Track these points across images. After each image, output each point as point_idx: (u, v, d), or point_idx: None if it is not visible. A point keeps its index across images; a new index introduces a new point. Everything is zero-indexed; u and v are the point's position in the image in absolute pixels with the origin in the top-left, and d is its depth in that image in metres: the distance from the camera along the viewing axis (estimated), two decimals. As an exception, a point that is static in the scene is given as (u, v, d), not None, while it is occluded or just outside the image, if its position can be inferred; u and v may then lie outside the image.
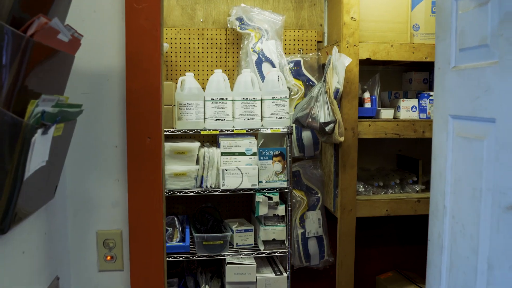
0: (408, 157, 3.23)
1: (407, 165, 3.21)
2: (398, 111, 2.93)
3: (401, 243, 3.42)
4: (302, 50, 3.12)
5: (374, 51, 2.76)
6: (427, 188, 3.04)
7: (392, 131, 2.82)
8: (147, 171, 1.41)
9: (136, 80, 1.41)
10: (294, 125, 2.88)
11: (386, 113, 2.88)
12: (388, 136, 2.82)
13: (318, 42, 3.16)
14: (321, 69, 3.09)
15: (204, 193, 2.69)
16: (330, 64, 2.72)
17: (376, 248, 3.39)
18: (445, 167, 1.48)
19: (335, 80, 2.71)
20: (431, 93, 2.90)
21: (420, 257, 3.52)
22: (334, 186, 2.87)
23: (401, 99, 2.95)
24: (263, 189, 2.74)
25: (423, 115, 2.92)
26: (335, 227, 2.90)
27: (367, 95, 2.86)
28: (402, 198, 2.88)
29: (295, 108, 2.91)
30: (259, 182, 2.72)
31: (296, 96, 2.98)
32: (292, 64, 3.01)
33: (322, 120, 2.65)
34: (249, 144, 2.72)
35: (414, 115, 2.95)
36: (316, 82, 3.02)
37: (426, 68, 3.16)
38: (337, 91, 2.71)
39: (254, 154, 2.72)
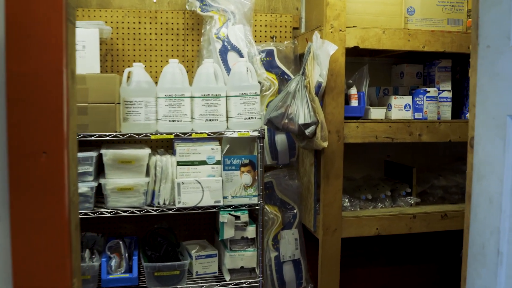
0: (399, 164, 2.77)
1: (397, 173, 2.75)
2: (389, 110, 2.47)
3: (392, 262, 2.96)
4: (276, 37, 2.63)
5: (363, 38, 2.28)
6: (422, 201, 2.59)
7: (384, 134, 2.35)
8: (41, 205, 0.89)
9: (24, 60, 0.89)
10: (266, 127, 2.38)
11: (377, 113, 2.41)
12: (379, 140, 2.35)
13: (294, 28, 2.67)
14: (298, 60, 2.59)
15: (155, 212, 2.16)
16: (310, 53, 2.23)
17: (363, 268, 2.92)
18: (500, 191, 1.02)
19: (317, 72, 2.22)
20: (428, 89, 2.45)
21: (414, 278, 3.11)
22: (314, 200, 2.38)
23: (393, 96, 2.48)
24: (228, 206, 2.23)
25: (418, 115, 2.47)
26: (315, 247, 2.42)
27: (353, 91, 2.39)
28: (394, 214, 2.41)
29: (267, 106, 2.41)
30: (224, 198, 2.20)
31: (268, 92, 2.49)
32: (263, 54, 2.51)
33: (301, 121, 2.16)
34: (212, 151, 2.21)
35: (408, 115, 2.49)
36: (292, 76, 2.53)
37: (419, 60, 2.70)
38: (319, 85, 2.23)
39: (218, 163, 2.21)
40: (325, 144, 2.20)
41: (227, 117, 2.25)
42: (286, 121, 2.21)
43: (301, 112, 2.19)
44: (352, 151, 2.58)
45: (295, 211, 2.54)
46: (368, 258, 2.94)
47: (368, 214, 2.39)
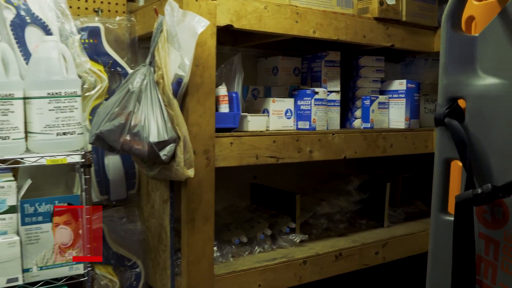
0: (271, 189, 2.12)
1: (269, 200, 2.10)
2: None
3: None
4: (102, 10, 1.76)
5: (239, 14, 1.57)
6: (310, 238, 1.97)
7: (267, 152, 1.66)
8: None
9: None
10: (91, 147, 1.53)
11: (257, 122, 1.71)
12: (261, 161, 1.66)
13: (129, 0, 1.83)
14: (136, 46, 1.77)
15: None
16: (162, 31, 1.44)
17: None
18: None
19: (175, 61, 1.44)
20: (317, 90, 1.83)
21: None
22: (170, 254, 1.59)
23: (271, 99, 1.82)
24: (34, 283, 1.32)
25: (303, 124, 1.84)
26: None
27: (223, 91, 1.65)
28: (281, 262, 1.74)
29: (92, 114, 1.56)
30: (25, 271, 1.29)
31: (94, 92, 1.62)
32: (85, 34, 1.63)
33: (153, 138, 1.36)
34: (0, 192, 1.28)
35: (290, 123, 1.85)
36: (127, 68, 1.70)
37: (299, 52, 2.09)
38: (178, 82, 1.45)
39: (11, 211, 1.29)
40: (190, 173, 1.42)
41: (26, 132, 1.34)
42: (128, 137, 1.38)
43: (153, 123, 1.39)
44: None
45: (138, 269, 1.71)
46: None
47: (247, 267, 1.67)
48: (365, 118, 2.04)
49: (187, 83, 1.45)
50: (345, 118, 2.09)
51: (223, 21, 1.53)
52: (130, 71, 1.68)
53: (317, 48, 2.04)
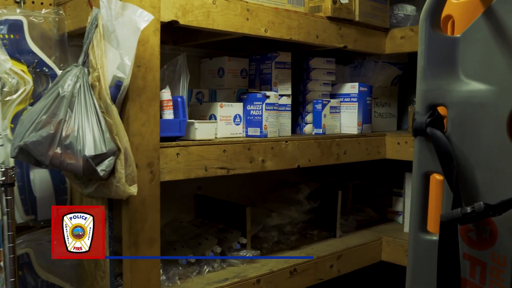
0: (217, 201, 1.96)
1: (215, 213, 1.94)
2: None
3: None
4: (25, 1, 1.52)
5: (185, 9, 1.40)
6: (261, 253, 1.82)
7: (217, 163, 1.50)
8: None
9: None
10: (13, 162, 1.30)
11: (205, 130, 1.53)
12: (210, 173, 1.50)
13: (56, -9, 1.61)
14: (65, 43, 1.55)
15: None
16: (97, 27, 1.25)
17: None
18: None
19: (113, 61, 1.25)
20: (268, 94, 1.69)
21: None
22: (110, 281, 1.39)
23: (218, 104, 1.66)
24: None
25: (253, 131, 1.70)
26: None
27: (166, 95, 1.48)
28: (233, 283, 1.58)
29: (13, 121, 1.34)
30: None
31: (16, 95, 1.39)
32: (4, 28, 1.40)
33: (89, 151, 1.17)
34: None
35: (239, 130, 1.71)
36: (55, 68, 1.49)
37: (244, 53, 1.94)
38: (117, 85, 1.26)
39: None
40: (133, 190, 1.24)
41: None
42: (59, 150, 1.18)
43: (88, 133, 1.19)
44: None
45: (72, 297, 1.50)
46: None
47: (197, 291, 1.51)
48: (317, 123, 1.92)
49: (128, 87, 1.26)
50: (295, 123, 1.97)
51: (167, 17, 1.36)
52: (59, 72, 1.46)
53: (264, 48, 1.91)
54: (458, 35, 1.00)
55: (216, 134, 1.63)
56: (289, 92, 1.83)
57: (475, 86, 0.97)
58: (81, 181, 1.29)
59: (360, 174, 2.38)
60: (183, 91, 1.54)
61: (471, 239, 1.00)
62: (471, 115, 0.97)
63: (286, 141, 1.68)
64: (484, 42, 0.96)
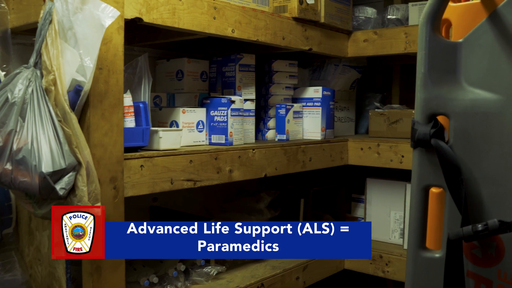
0: (176, 213, 1.83)
1: (174, 225, 1.80)
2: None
3: None
4: (-41, -8, 1.33)
5: (150, 6, 1.26)
6: (229, 269, 1.71)
7: (183, 175, 1.38)
8: None
9: None
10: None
11: (170, 139, 1.40)
12: (176, 186, 1.37)
13: (-5, -18, 1.42)
14: (9, 40, 1.36)
15: None
16: (51, 23, 1.09)
17: None
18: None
19: (72, 62, 1.10)
20: (233, 99, 1.58)
21: None
22: (66, 311, 1.23)
23: (180, 109, 1.53)
24: None
25: (218, 139, 1.59)
26: None
27: (127, 100, 1.33)
28: (200, 303, 1.47)
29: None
30: None
31: (-49, 101, 1.20)
32: None
33: (46, 166, 1.02)
34: None
35: (202, 137, 1.59)
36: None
37: (203, 54, 1.82)
38: (77, 90, 1.10)
39: None
40: (97, 211, 1.09)
41: None
42: (9, 166, 1.02)
43: (44, 146, 1.04)
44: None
45: (19, 330, 1.32)
46: None
47: (161, 315, 1.38)
48: (280, 129, 1.84)
49: (88, 92, 1.11)
50: (257, 128, 1.87)
51: (130, 13, 1.22)
52: (1, 74, 1.29)
53: (223, 49, 1.80)
54: (460, 40, 0.94)
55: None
56: (253, 96, 1.73)
57: (480, 94, 0.92)
58: (33, 200, 1.13)
59: (319, 180, 2.32)
60: (144, 96, 1.40)
61: (475, 256, 0.94)
62: (475, 126, 0.92)
63: (253, 149, 1.58)
64: (489, 48, 0.91)
